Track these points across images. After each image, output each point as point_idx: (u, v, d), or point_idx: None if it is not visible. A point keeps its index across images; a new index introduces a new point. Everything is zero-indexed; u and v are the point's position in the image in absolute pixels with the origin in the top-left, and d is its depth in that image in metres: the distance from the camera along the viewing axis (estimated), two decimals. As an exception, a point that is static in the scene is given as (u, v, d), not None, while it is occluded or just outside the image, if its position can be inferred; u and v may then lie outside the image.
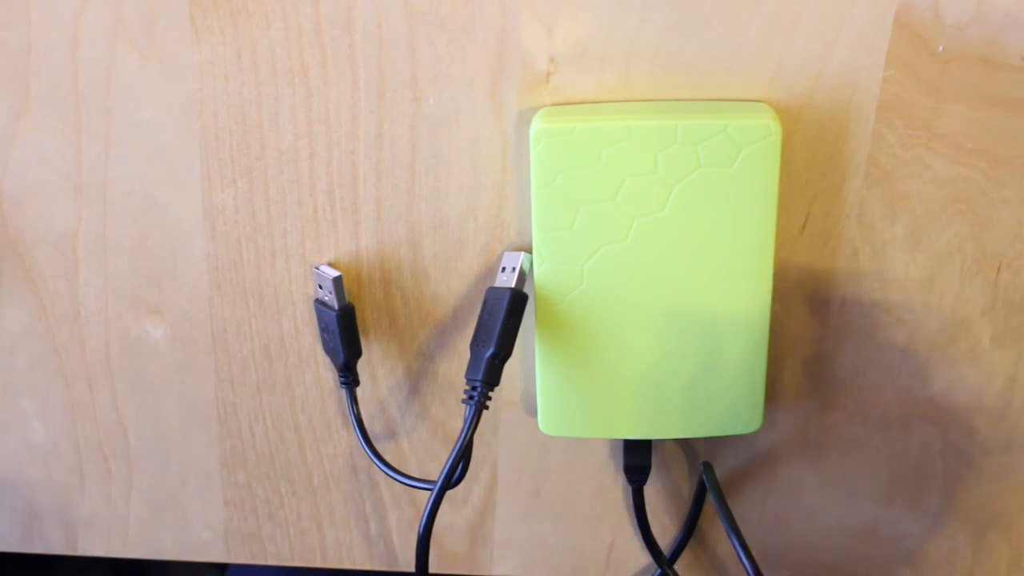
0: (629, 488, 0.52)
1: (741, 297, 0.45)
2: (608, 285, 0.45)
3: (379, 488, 0.53)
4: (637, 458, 0.50)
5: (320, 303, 0.48)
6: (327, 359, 0.50)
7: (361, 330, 0.49)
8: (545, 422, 0.48)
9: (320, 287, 0.48)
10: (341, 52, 0.44)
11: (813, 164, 0.45)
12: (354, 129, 0.46)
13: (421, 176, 0.46)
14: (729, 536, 0.47)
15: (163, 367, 0.51)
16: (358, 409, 0.50)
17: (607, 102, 0.44)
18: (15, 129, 0.47)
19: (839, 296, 0.48)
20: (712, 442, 0.51)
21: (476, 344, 0.46)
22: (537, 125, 0.43)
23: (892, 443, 0.51)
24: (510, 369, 0.49)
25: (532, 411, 0.51)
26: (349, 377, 0.49)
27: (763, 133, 0.42)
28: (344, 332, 0.48)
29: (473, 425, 0.45)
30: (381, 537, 0.55)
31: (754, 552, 0.54)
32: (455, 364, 0.50)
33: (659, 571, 0.53)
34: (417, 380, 0.51)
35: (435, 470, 0.53)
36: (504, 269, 0.46)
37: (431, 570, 0.47)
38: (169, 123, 0.46)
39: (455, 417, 0.51)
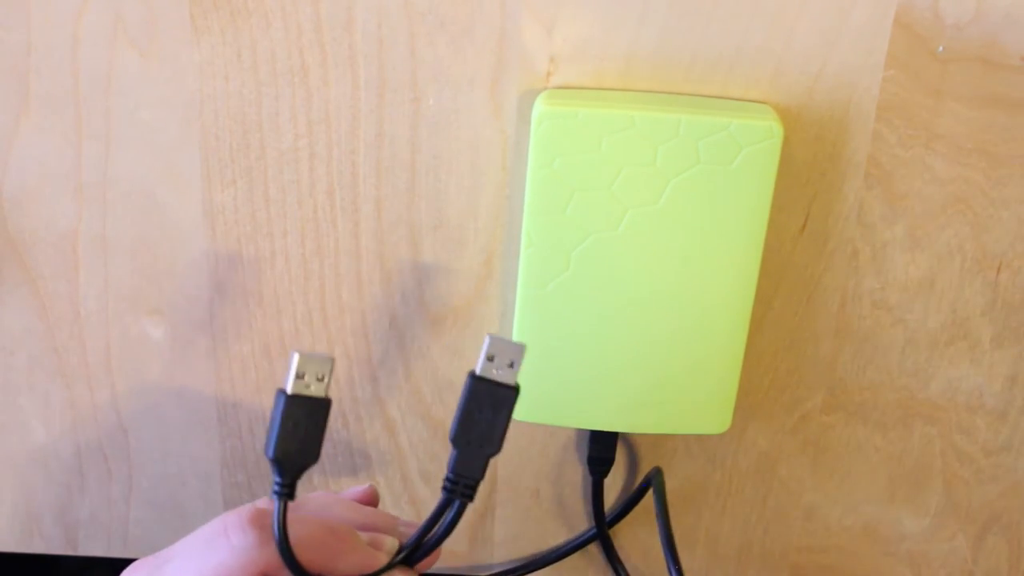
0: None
1: (723, 298, 0.45)
2: (594, 273, 0.44)
3: (379, 488, 0.53)
4: (602, 450, 0.50)
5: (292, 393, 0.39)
6: (327, 359, 0.50)
7: (362, 330, 0.49)
8: (517, 406, 0.47)
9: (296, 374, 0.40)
10: (341, 52, 0.44)
11: (813, 164, 0.45)
12: (354, 129, 0.46)
13: (421, 176, 0.46)
14: (664, 549, 0.46)
15: (163, 367, 0.51)
16: (284, 520, 0.38)
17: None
18: (15, 129, 0.47)
19: (839, 296, 0.48)
20: (713, 442, 0.51)
21: (468, 440, 0.39)
22: (540, 107, 0.43)
23: (892, 443, 0.51)
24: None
25: (532, 411, 0.51)
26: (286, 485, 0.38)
27: (765, 135, 0.42)
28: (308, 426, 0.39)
29: (455, 522, 0.40)
30: (381, 537, 0.55)
31: (754, 552, 0.54)
32: (455, 364, 0.50)
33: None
34: (417, 380, 0.51)
35: (436, 470, 0.53)
36: (493, 358, 0.39)
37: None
38: (169, 123, 0.46)
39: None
